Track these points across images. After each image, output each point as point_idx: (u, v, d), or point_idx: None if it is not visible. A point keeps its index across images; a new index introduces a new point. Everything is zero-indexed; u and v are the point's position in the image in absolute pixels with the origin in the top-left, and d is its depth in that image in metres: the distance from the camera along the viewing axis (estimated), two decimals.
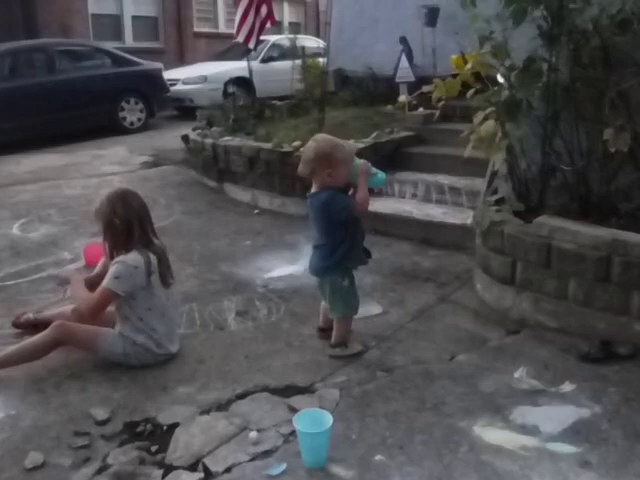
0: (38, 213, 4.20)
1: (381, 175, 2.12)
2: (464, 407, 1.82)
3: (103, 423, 1.82)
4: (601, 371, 1.98)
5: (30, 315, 2.44)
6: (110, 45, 8.60)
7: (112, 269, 2.07)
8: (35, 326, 2.33)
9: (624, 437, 1.65)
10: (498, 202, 2.63)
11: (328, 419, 1.61)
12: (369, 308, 2.50)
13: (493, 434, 1.69)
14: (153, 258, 2.10)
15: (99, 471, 1.61)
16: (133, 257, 2.06)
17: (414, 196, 3.80)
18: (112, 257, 2.14)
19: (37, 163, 5.95)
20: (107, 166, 5.76)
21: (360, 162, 2.07)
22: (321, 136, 2.14)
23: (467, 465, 1.57)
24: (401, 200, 3.79)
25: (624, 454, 1.59)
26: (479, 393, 1.90)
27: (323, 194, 2.05)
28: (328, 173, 2.02)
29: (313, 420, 1.61)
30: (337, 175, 2.03)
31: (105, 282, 2.06)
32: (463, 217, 3.25)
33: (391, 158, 4.13)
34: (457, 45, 3.58)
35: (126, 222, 2.07)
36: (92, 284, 2.30)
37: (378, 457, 1.62)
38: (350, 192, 2.11)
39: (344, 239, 2.08)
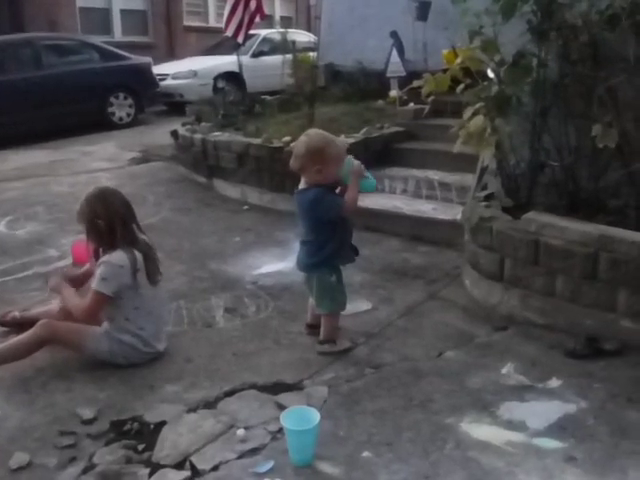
0: (25, 210, 4.14)
1: (372, 180, 2.10)
2: (451, 404, 1.83)
3: (89, 422, 1.80)
4: (587, 367, 1.99)
5: (16, 313, 2.42)
6: (99, 39, 8.48)
7: (98, 271, 2.05)
8: (21, 324, 2.30)
9: (609, 433, 1.66)
10: (487, 198, 2.63)
11: (315, 416, 1.61)
12: (358, 305, 2.49)
13: (480, 430, 1.70)
14: (139, 256, 2.08)
15: (85, 471, 1.60)
16: (118, 256, 2.04)
17: (404, 192, 3.79)
18: (97, 256, 2.12)
19: (24, 160, 5.87)
20: (95, 162, 5.70)
21: (355, 162, 2.04)
22: (313, 131, 2.11)
23: (454, 462, 1.58)
24: (391, 196, 3.78)
25: (609, 450, 1.60)
26: (466, 389, 1.90)
27: (311, 192, 2.03)
28: (317, 169, 1.99)
29: (300, 417, 1.61)
30: (327, 172, 2.00)
31: (94, 285, 2.05)
32: (453, 213, 3.25)
33: (381, 154, 4.12)
34: (447, 40, 3.57)
35: (107, 221, 2.05)
36: (78, 282, 2.29)
37: (365, 454, 1.62)
38: (338, 190, 2.09)
39: (332, 236, 2.07)
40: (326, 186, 2.04)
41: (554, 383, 1.91)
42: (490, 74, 2.51)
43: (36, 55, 7.09)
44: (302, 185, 2.09)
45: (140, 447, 1.69)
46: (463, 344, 2.19)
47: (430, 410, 1.80)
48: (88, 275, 2.25)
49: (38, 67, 7.03)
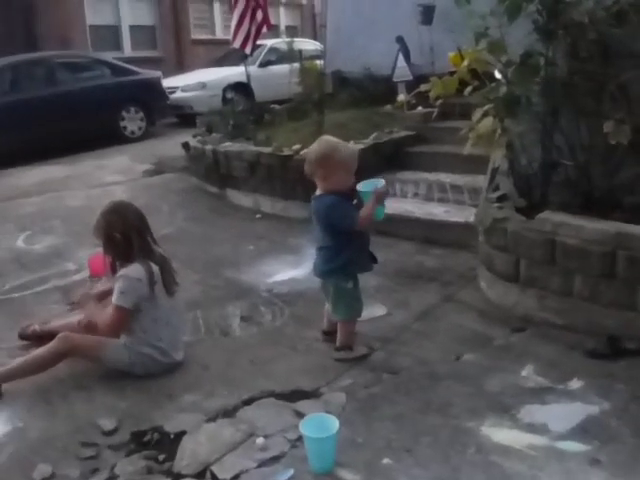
0: (42, 225, 4.23)
1: (383, 208, 2.09)
2: (471, 408, 1.81)
3: (110, 433, 1.82)
4: (608, 367, 1.96)
5: (36, 327, 2.46)
6: (109, 55, 8.66)
7: (117, 285, 2.09)
8: (41, 337, 2.34)
9: (633, 434, 1.63)
10: (500, 199, 2.61)
11: (334, 424, 1.60)
12: (373, 310, 2.48)
13: (501, 434, 1.68)
14: (155, 268, 2.11)
15: None
16: (135, 269, 2.08)
17: (416, 195, 3.78)
18: (114, 269, 2.16)
19: (40, 175, 6.00)
20: (109, 176, 5.79)
21: (381, 184, 2.06)
22: (324, 138, 2.13)
23: (475, 466, 1.56)
24: (403, 200, 3.78)
25: (634, 452, 1.57)
26: (485, 393, 1.88)
27: (327, 198, 2.04)
28: (324, 176, 2.02)
29: (319, 425, 1.61)
30: (333, 178, 2.02)
31: (114, 300, 2.09)
32: (465, 215, 3.23)
33: (391, 158, 4.12)
34: (453, 42, 3.57)
35: (123, 234, 2.09)
36: (102, 297, 2.32)
37: (385, 460, 1.61)
38: (354, 202, 2.09)
39: (348, 243, 2.07)
40: (342, 194, 2.04)
41: (575, 384, 1.88)
42: (497, 75, 2.50)
43: (50, 73, 7.27)
44: (318, 192, 2.10)
45: (161, 457, 1.70)
46: (480, 347, 2.17)
47: (449, 414, 1.79)
48: (110, 291, 2.28)
49: (52, 84, 7.20)
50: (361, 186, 2.06)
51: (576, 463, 1.54)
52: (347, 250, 2.06)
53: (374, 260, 2.18)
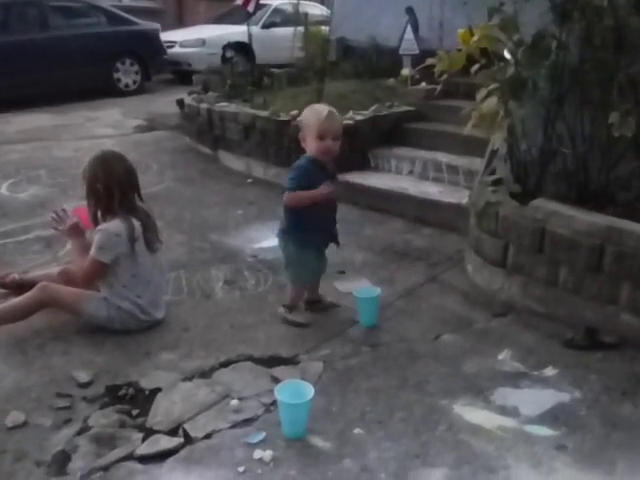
0: (27, 174, 4.12)
1: (375, 317, 2.15)
2: (446, 387, 1.83)
3: (85, 386, 1.82)
4: (584, 358, 1.98)
5: (16, 275, 2.42)
6: (107, 3, 8.28)
7: (95, 238, 2.05)
8: (20, 287, 2.30)
9: (601, 424, 1.66)
10: (495, 183, 2.59)
11: (309, 391, 1.61)
12: (357, 284, 2.48)
13: (472, 414, 1.70)
14: (137, 224, 2.06)
15: (79, 432, 1.62)
16: (115, 225, 2.03)
17: (410, 173, 3.74)
18: (95, 221, 2.11)
19: (28, 123, 5.81)
20: (100, 129, 5.63)
21: (377, 293, 2.17)
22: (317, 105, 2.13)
23: (444, 443, 1.58)
24: (397, 176, 3.74)
25: (600, 441, 1.60)
26: (461, 374, 1.90)
27: (299, 160, 2.07)
28: (301, 137, 2.06)
29: (294, 391, 1.62)
30: (306, 141, 2.05)
31: (92, 252, 2.05)
32: (459, 196, 3.20)
33: (390, 133, 4.05)
34: (465, 18, 3.45)
35: (106, 187, 2.03)
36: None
37: (357, 431, 1.63)
38: (329, 185, 2.04)
39: (297, 211, 2.05)
40: (317, 162, 2.04)
41: (550, 372, 1.91)
42: (507, 55, 2.43)
43: (42, 16, 6.94)
44: None
45: (134, 412, 1.71)
46: (461, 328, 2.19)
47: (424, 392, 1.81)
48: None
49: (44, 28, 6.89)
50: (356, 292, 2.16)
51: (543, 447, 1.58)
52: (295, 218, 2.06)
53: (333, 239, 2.17)
